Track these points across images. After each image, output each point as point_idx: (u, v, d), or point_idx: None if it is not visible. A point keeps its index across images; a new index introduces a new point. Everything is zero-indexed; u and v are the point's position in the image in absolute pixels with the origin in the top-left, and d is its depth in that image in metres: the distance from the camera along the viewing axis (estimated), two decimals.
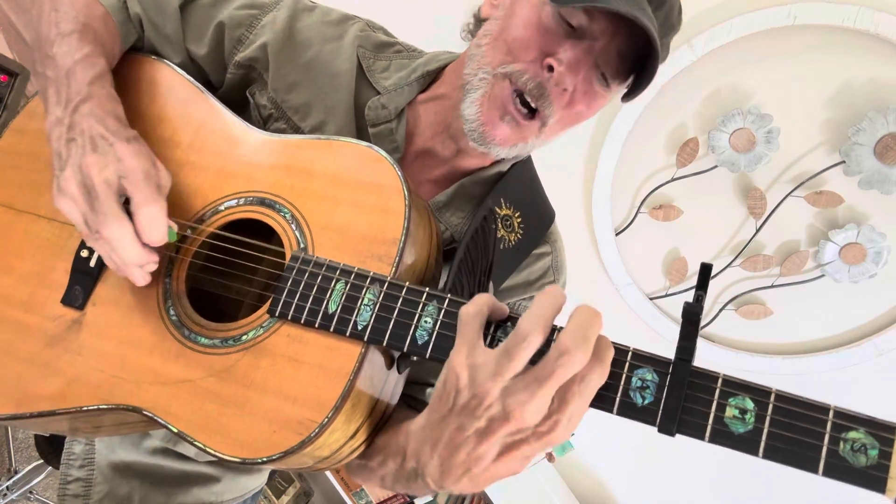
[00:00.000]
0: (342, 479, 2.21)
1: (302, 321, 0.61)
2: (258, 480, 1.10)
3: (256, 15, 0.84)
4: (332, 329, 0.59)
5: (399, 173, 0.65)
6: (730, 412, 0.44)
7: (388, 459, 0.62)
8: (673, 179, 1.72)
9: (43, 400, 0.68)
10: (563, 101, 0.74)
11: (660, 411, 0.45)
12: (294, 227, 0.67)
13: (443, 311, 0.56)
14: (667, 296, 1.82)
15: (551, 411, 0.45)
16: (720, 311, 1.74)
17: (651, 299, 1.84)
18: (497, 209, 0.83)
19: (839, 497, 1.64)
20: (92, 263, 0.72)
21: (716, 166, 1.66)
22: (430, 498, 2.04)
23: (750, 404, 0.44)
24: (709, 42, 1.58)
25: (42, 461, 2.02)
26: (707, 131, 1.65)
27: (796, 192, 1.60)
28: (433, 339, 0.55)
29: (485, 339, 0.51)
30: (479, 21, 0.82)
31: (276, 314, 0.63)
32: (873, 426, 0.41)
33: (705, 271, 0.43)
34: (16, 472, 2.07)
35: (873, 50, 1.47)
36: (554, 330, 0.49)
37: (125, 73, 0.82)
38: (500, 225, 0.82)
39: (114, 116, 0.69)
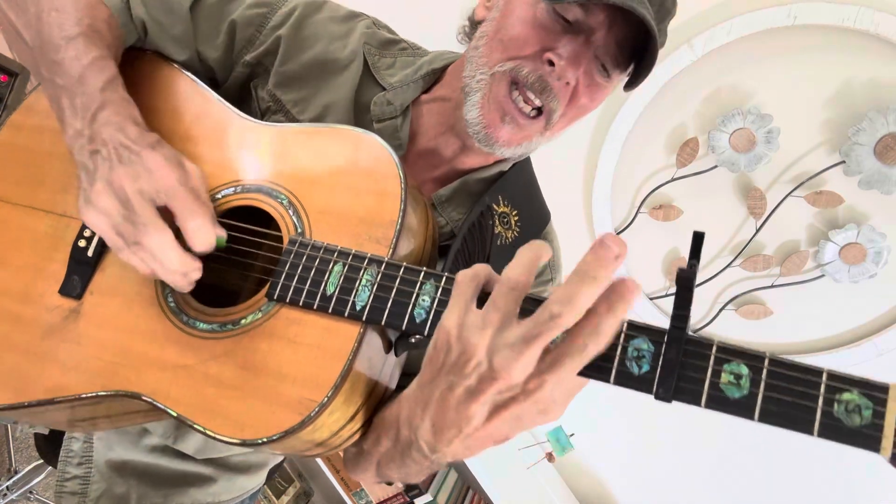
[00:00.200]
0: (342, 478, 2.21)
1: (300, 303, 0.61)
2: (256, 480, 1.10)
3: (266, 14, 0.85)
4: (330, 310, 0.60)
5: (394, 157, 0.66)
6: (725, 378, 0.44)
7: (381, 437, 0.62)
8: (673, 179, 1.73)
9: (41, 389, 0.68)
10: (566, 95, 0.74)
11: (656, 379, 0.46)
12: (291, 213, 0.68)
13: (440, 289, 0.56)
14: (667, 296, 1.82)
15: (540, 370, 0.46)
16: (720, 311, 1.74)
17: (651, 299, 1.83)
18: (495, 206, 0.83)
19: (837, 495, 1.65)
20: (90, 253, 0.72)
21: (716, 166, 1.66)
22: (430, 498, 2.03)
23: (745, 370, 0.44)
24: (709, 42, 1.58)
25: (42, 461, 2.02)
26: (707, 131, 1.66)
27: (796, 192, 1.59)
28: (431, 317, 0.56)
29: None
30: (474, 24, 0.83)
31: (275, 297, 0.63)
32: (867, 387, 0.42)
33: (698, 240, 0.44)
34: (16, 472, 2.07)
35: (873, 50, 1.47)
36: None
37: (121, 68, 0.83)
38: (497, 221, 0.83)
39: (132, 122, 0.68)
